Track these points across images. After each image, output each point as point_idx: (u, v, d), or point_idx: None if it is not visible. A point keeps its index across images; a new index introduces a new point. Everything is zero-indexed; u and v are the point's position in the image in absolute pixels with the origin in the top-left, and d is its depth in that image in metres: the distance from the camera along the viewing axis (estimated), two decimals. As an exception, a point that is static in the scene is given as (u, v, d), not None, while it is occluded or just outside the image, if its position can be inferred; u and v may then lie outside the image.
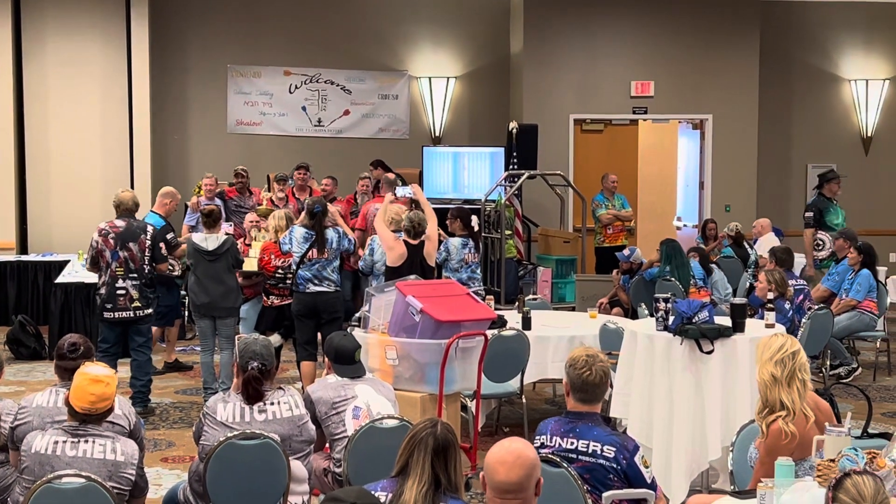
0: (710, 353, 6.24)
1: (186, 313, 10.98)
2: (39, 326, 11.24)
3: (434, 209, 9.10)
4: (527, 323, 8.02)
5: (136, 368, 8.64)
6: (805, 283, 9.73)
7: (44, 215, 13.68)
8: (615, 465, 4.32)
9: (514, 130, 13.03)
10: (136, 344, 8.60)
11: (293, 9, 14.54)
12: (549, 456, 4.22)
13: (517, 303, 9.02)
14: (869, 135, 15.39)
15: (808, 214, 11.75)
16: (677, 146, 15.20)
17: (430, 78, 14.85)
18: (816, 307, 9.07)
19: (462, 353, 6.54)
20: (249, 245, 10.10)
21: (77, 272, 11.03)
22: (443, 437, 3.58)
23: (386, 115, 14.90)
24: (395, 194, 9.81)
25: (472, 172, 13.63)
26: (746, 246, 12.42)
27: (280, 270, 9.05)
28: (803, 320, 8.69)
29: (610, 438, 4.37)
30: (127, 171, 13.62)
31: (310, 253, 8.50)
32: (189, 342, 11.44)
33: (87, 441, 4.50)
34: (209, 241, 8.81)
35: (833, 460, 4.02)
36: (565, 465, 4.24)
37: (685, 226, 14.92)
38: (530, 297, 10.03)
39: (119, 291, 8.41)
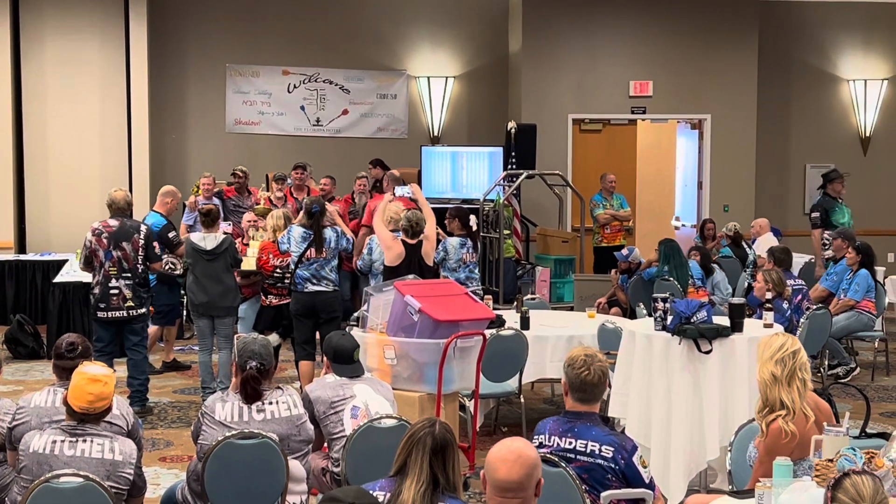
0: (708, 352, 6.24)
1: (185, 313, 10.98)
2: (37, 326, 11.24)
3: (433, 209, 9.10)
4: (525, 323, 8.02)
5: (133, 367, 8.63)
6: (803, 283, 9.73)
7: (42, 215, 13.67)
8: (613, 465, 4.32)
9: (513, 130, 13.03)
10: (131, 343, 8.59)
11: (292, 8, 14.54)
12: (548, 456, 4.22)
13: (515, 302, 9.02)
14: (867, 135, 15.39)
15: (814, 215, 11.76)
16: (676, 146, 15.19)
17: (428, 77, 14.85)
18: (815, 307, 9.07)
19: (460, 352, 6.54)
20: (247, 244, 10.10)
21: (75, 272, 11.02)
22: (441, 437, 3.57)
23: (384, 114, 14.89)
24: (393, 193, 9.82)
25: (471, 172, 13.63)
26: (745, 246, 12.43)
27: (278, 270, 9.05)
28: (801, 320, 8.69)
29: (608, 438, 4.37)
30: (125, 171, 13.62)
31: (308, 252, 8.49)
32: (187, 342, 11.44)
33: (85, 440, 4.50)
34: (207, 240, 8.81)
35: (831, 460, 4.02)
36: (563, 465, 4.24)
37: (683, 226, 14.91)
38: (529, 296, 10.03)
39: (112, 291, 8.39)
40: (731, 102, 14.46)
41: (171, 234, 9.84)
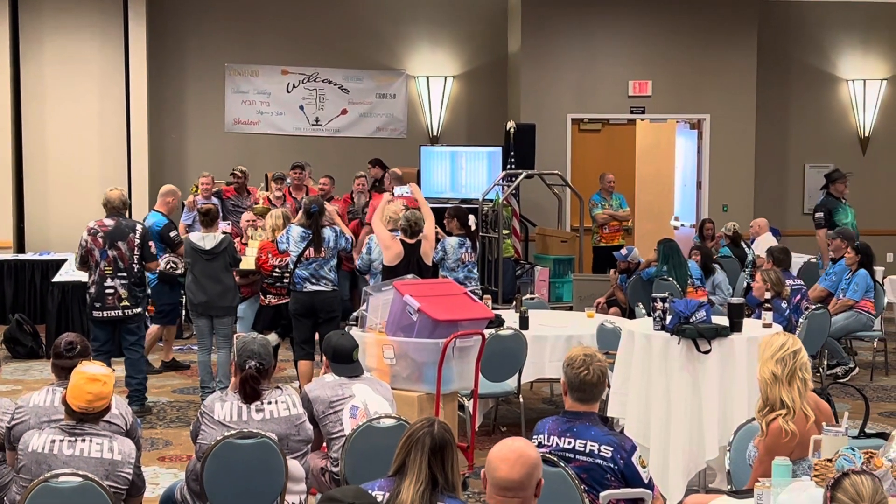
0: (707, 352, 6.24)
1: (183, 312, 10.98)
2: (36, 325, 11.24)
3: (432, 208, 9.10)
4: (524, 322, 8.02)
5: (130, 367, 8.62)
6: (802, 283, 9.73)
7: (41, 214, 13.67)
8: (612, 465, 4.32)
9: (512, 130, 13.03)
10: (128, 343, 8.58)
11: (291, 8, 14.54)
12: (547, 455, 4.21)
13: (514, 302, 9.02)
14: (866, 135, 15.39)
15: (818, 215, 11.76)
16: (675, 146, 15.19)
17: (427, 77, 14.85)
18: (814, 307, 9.07)
19: (459, 352, 6.54)
20: (246, 244, 10.10)
21: (74, 271, 11.01)
22: (440, 437, 3.57)
23: (383, 114, 14.89)
24: (392, 193, 9.82)
25: (470, 172, 13.63)
26: (744, 246, 12.43)
27: (277, 269, 9.05)
28: (800, 320, 8.69)
29: (607, 438, 4.37)
30: (124, 170, 13.61)
31: (307, 252, 8.49)
32: (186, 341, 11.44)
33: (84, 440, 4.50)
34: (206, 239, 8.81)
35: (830, 460, 4.03)
36: (562, 465, 4.24)
37: (682, 225, 14.91)
38: (528, 296, 10.03)
39: (108, 290, 8.38)
40: (730, 102, 14.46)
41: (172, 234, 9.84)
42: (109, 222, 8.44)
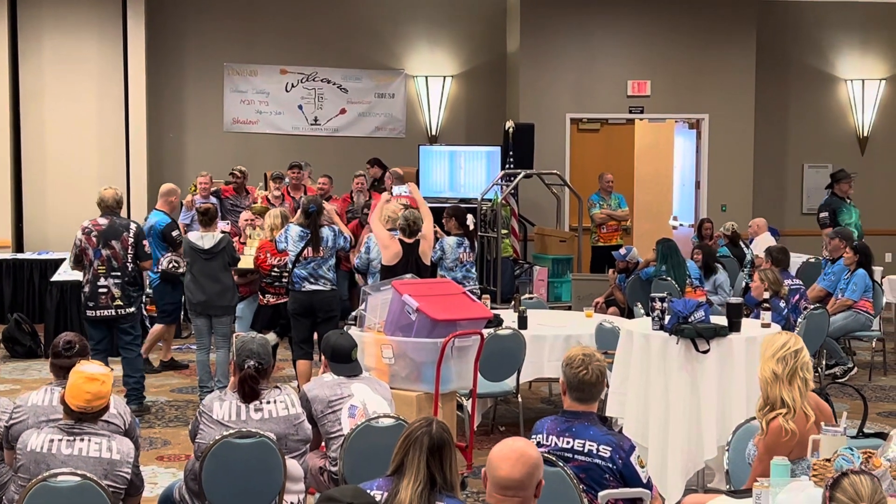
0: (705, 352, 6.24)
1: (182, 311, 10.97)
2: (35, 325, 11.23)
3: (430, 208, 9.10)
4: (523, 322, 8.02)
5: (127, 366, 8.60)
6: (801, 282, 9.74)
7: (40, 213, 13.66)
8: (611, 465, 4.32)
9: (511, 129, 13.02)
10: (124, 342, 8.57)
11: (290, 7, 14.53)
12: (546, 455, 4.21)
13: (513, 302, 9.02)
14: (865, 134, 15.39)
15: (822, 215, 11.78)
16: (673, 145, 15.20)
17: (426, 77, 14.84)
18: (812, 307, 9.07)
19: (458, 352, 6.54)
20: (244, 243, 10.10)
21: (72, 270, 11.02)
22: (438, 437, 3.57)
23: (382, 113, 14.88)
24: (391, 192, 9.82)
25: (469, 171, 13.62)
26: (742, 245, 12.43)
27: (276, 269, 9.05)
28: (799, 320, 8.70)
29: (606, 438, 4.37)
30: (123, 170, 13.61)
31: (305, 251, 8.49)
32: (185, 341, 11.43)
33: (82, 439, 4.50)
34: (205, 239, 8.81)
35: (829, 460, 4.03)
36: (561, 465, 4.24)
37: (681, 225, 14.92)
38: (526, 296, 10.04)
39: (101, 290, 8.37)
40: (728, 102, 14.46)
41: (174, 233, 9.83)
42: (103, 221, 8.43)
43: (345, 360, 5.54)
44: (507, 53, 14.88)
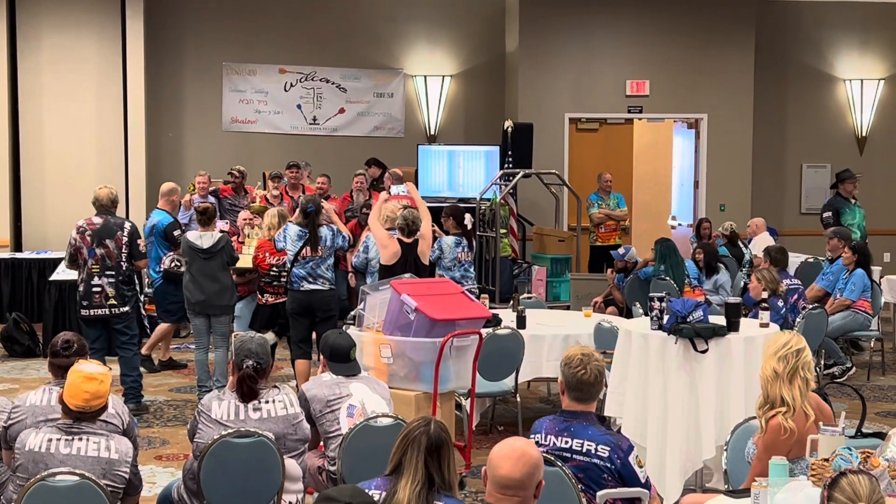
0: (704, 352, 6.25)
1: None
2: (33, 324, 11.23)
3: (429, 208, 9.10)
4: (521, 322, 8.02)
5: (124, 365, 8.60)
6: (799, 282, 9.74)
7: (38, 213, 13.65)
8: (609, 465, 4.32)
9: (510, 129, 13.02)
10: (120, 342, 8.57)
11: (288, 7, 14.53)
12: (544, 455, 4.21)
13: (512, 301, 9.02)
14: (864, 135, 15.39)
15: (826, 215, 11.78)
16: (672, 145, 15.20)
17: (425, 76, 14.84)
18: (811, 306, 9.08)
19: (457, 351, 6.54)
20: (243, 243, 10.10)
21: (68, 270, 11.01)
22: (436, 436, 3.57)
23: (381, 113, 14.88)
24: (389, 192, 9.82)
25: (468, 171, 13.62)
26: (741, 245, 12.43)
27: (275, 268, 9.05)
28: (797, 319, 8.70)
29: (604, 438, 4.37)
30: (122, 169, 13.60)
31: (303, 251, 8.49)
32: (183, 340, 11.43)
33: (81, 439, 4.50)
34: (204, 238, 8.80)
35: (827, 460, 4.03)
36: (560, 464, 4.24)
37: (680, 225, 14.93)
38: (525, 295, 10.04)
39: (95, 289, 8.37)
40: (727, 102, 14.46)
41: (176, 233, 9.83)
42: (98, 220, 8.44)
43: (343, 360, 5.54)
44: (505, 53, 14.87)
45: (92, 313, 8.40)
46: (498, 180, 12.63)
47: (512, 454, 3.42)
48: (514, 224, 13.02)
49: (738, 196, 14.55)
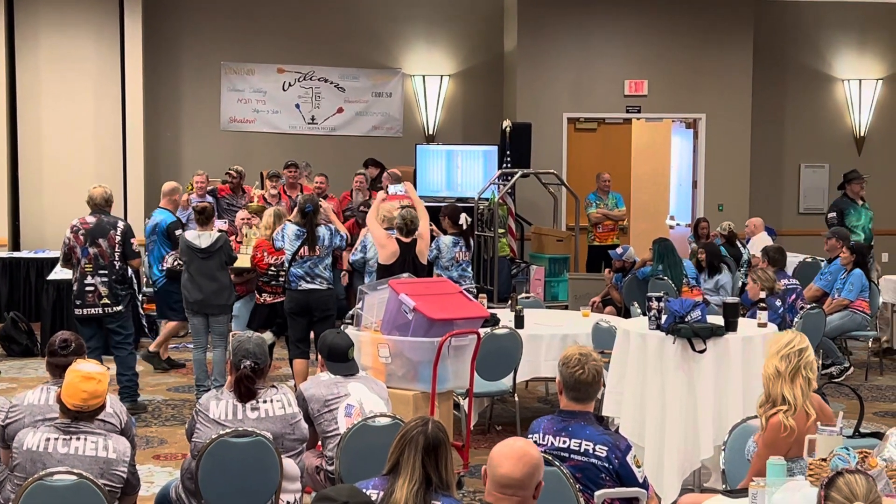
0: (702, 352, 6.25)
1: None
2: (31, 323, 11.22)
3: (427, 207, 9.10)
4: (519, 321, 8.02)
5: (120, 364, 8.59)
6: (798, 282, 9.74)
7: (36, 212, 13.64)
8: (607, 465, 4.32)
9: (508, 129, 13.01)
10: (115, 341, 8.56)
11: (287, 6, 14.52)
12: (542, 455, 4.22)
13: (510, 301, 9.02)
14: (862, 134, 15.40)
15: (830, 215, 11.79)
16: (671, 145, 15.20)
17: (423, 76, 14.83)
18: (809, 306, 9.08)
19: (455, 351, 6.54)
20: (241, 242, 10.10)
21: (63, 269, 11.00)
22: (434, 436, 3.57)
23: (379, 112, 14.88)
24: (387, 191, 9.82)
25: (466, 170, 13.62)
26: (739, 245, 12.44)
27: (273, 268, 9.05)
28: (795, 319, 8.70)
29: (602, 437, 4.37)
30: (120, 168, 13.58)
31: (301, 250, 8.49)
32: (182, 339, 11.42)
33: (78, 438, 4.50)
34: (202, 238, 8.80)
35: (825, 459, 4.03)
36: (557, 464, 4.25)
37: (678, 225, 14.93)
38: (523, 295, 10.04)
39: (88, 288, 8.36)
40: (725, 102, 14.47)
41: (178, 231, 9.83)
42: (91, 219, 8.44)
43: (341, 360, 5.54)
44: (504, 53, 14.88)
45: (85, 312, 8.40)
46: (496, 180, 12.63)
47: (512, 454, 3.42)
48: (513, 224, 13.02)
49: (736, 196, 14.56)
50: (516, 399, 7.72)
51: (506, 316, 8.26)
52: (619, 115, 14.54)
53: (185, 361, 10.34)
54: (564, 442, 4.40)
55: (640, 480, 4.36)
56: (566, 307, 11.34)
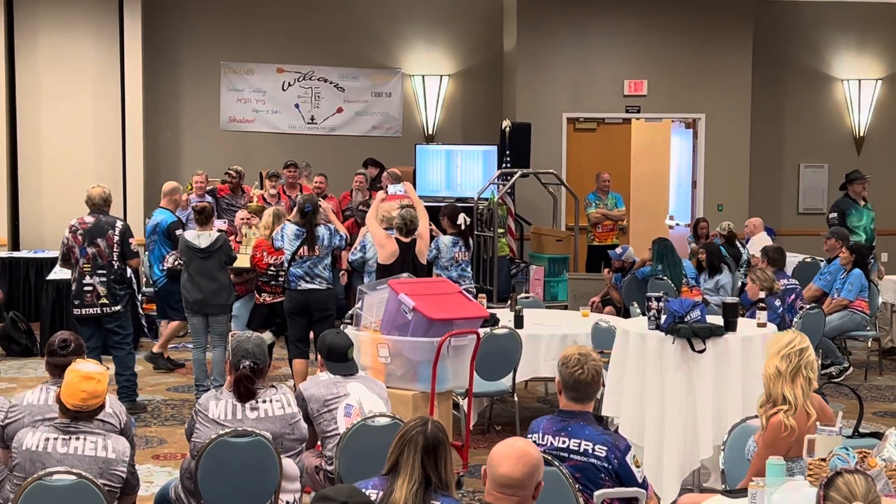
0: (701, 352, 6.25)
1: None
2: (31, 323, 11.22)
3: (427, 207, 9.10)
4: (519, 321, 8.02)
5: (118, 364, 8.59)
6: (797, 282, 9.75)
7: (36, 212, 13.64)
8: (606, 465, 4.33)
9: (507, 129, 13.01)
10: (113, 341, 8.56)
11: (286, 6, 14.52)
12: (542, 454, 4.22)
13: (509, 301, 9.02)
14: (861, 134, 15.41)
15: (831, 216, 11.79)
16: (670, 145, 15.21)
17: (423, 76, 14.83)
18: (808, 306, 9.08)
19: (454, 351, 6.54)
20: (240, 242, 10.10)
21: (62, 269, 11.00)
22: (433, 436, 3.57)
23: (379, 112, 14.88)
24: (386, 191, 9.82)
25: (465, 170, 13.62)
26: (738, 245, 12.44)
27: (273, 267, 9.05)
28: (795, 319, 8.71)
29: (601, 437, 4.37)
30: (119, 168, 13.58)
31: (301, 250, 8.49)
32: (181, 339, 11.42)
33: (78, 438, 4.50)
34: (202, 238, 8.80)
35: (824, 459, 4.03)
36: (557, 464, 4.25)
37: (677, 224, 14.93)
38: (522, 295, 10.04)
39: (86, 288, 8.36)
40: (725, 102, 14.47)
41: (179, 231, 9.83)
42: (89, 219, 8.44)
43: (341, 360, 5.54)
44: (503, 53, 14.88)
45: (83, 312, 8.40)
46: (496, 180, 12.63)
47: (512, 453, 3.42)
48: (512, 224, 13.02)
49: (735, 196, 14.56)
50: (516, 399, 7.72)
51: (505, 316, 8.27)
52: (618, 115, 14.54)
53: (184, 361, 10.34)
54: (564, 442, 4.40)
55: (640, 480, 4.36)
56: (566, 307, 11.34)
